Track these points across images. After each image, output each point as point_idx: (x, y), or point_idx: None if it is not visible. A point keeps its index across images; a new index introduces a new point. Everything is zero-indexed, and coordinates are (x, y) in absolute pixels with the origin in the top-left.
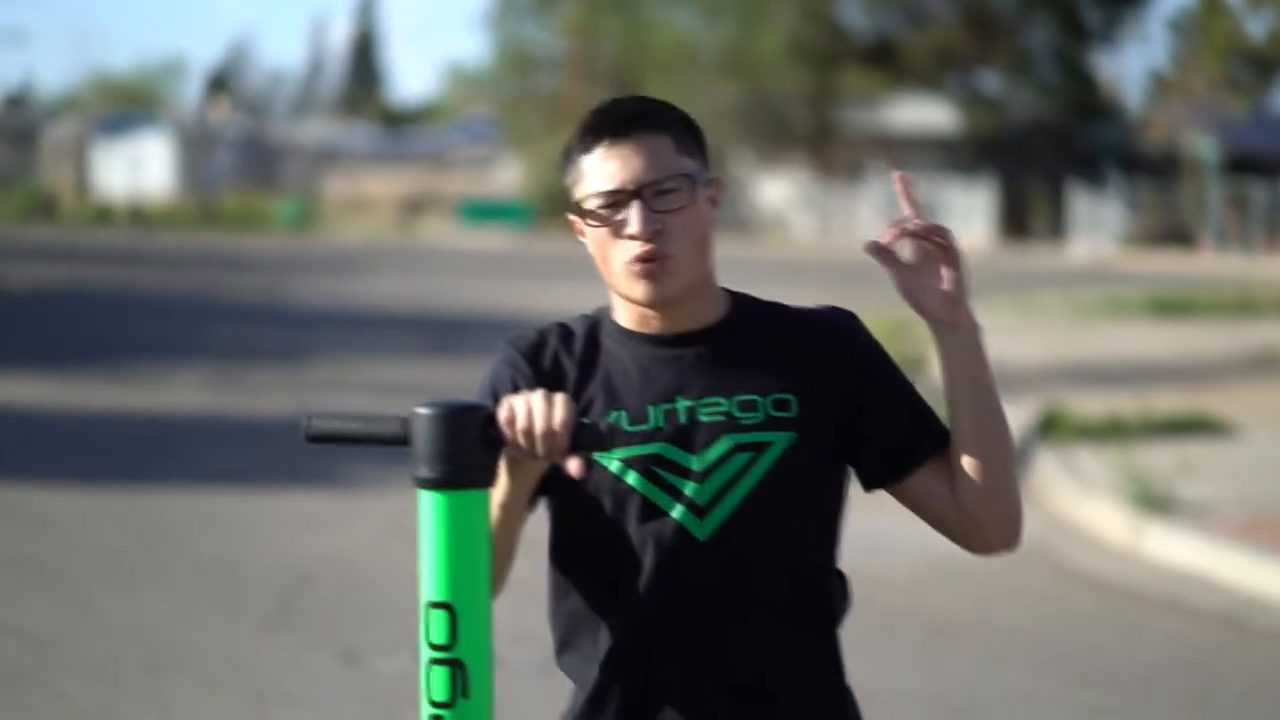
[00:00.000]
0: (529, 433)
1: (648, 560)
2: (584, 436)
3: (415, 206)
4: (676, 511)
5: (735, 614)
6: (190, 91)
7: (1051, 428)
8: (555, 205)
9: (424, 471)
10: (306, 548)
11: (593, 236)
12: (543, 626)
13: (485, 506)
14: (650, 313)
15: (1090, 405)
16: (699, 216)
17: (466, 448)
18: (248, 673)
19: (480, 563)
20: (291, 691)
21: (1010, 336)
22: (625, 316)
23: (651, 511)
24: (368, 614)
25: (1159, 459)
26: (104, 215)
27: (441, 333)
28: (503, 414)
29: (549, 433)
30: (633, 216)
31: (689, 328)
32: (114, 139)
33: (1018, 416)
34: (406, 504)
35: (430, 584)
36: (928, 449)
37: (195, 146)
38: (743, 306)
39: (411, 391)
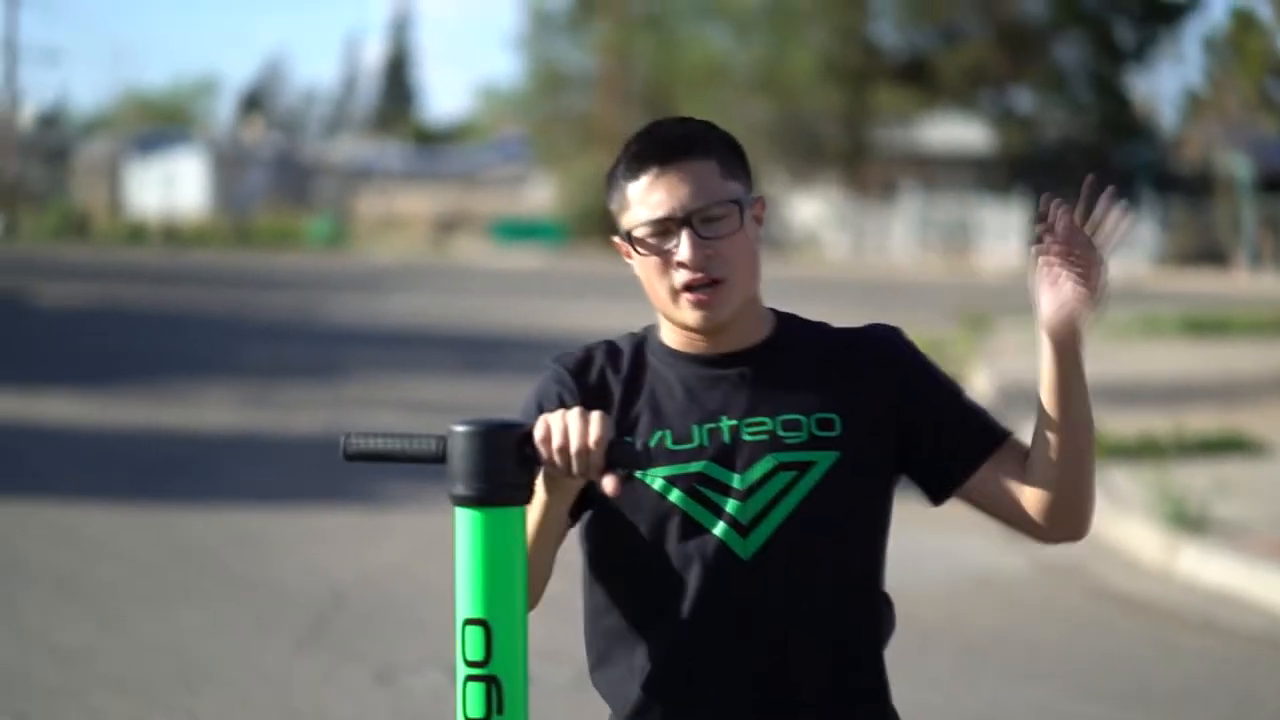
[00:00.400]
0: (564, 450)
1: (690, 578)
2: (619, 454)
3: (448, 225)
4: (719, 529)
5: (778, 633)
6: (224, 110)
7: None
8: (587, 224)
9: (460, 489)
10: (339, 565)
11: (641, 264)
12: (575, 644)
13: (521, 524)
14: (697, 335)
15: (1124, 424)
16: (747, 240)
17: (503, 465)
18: (280, 690)
19: (516, 580)
20: (324, 709)
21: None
22: (671, 337)
23: (694, 529)
24: (400, 632)
25: (1194, 478)
26: (137, 234)
27: (474, 351)
28: (539, 432)
29: (584, 450)
30: (683, 245)
31: (734, 348)
32: (148, 157)
33: None
34: (438, 521)
35: (466, 601)
36: (984, 449)
37: (229, 165)
38: (787, 326)
39: (444, 410)
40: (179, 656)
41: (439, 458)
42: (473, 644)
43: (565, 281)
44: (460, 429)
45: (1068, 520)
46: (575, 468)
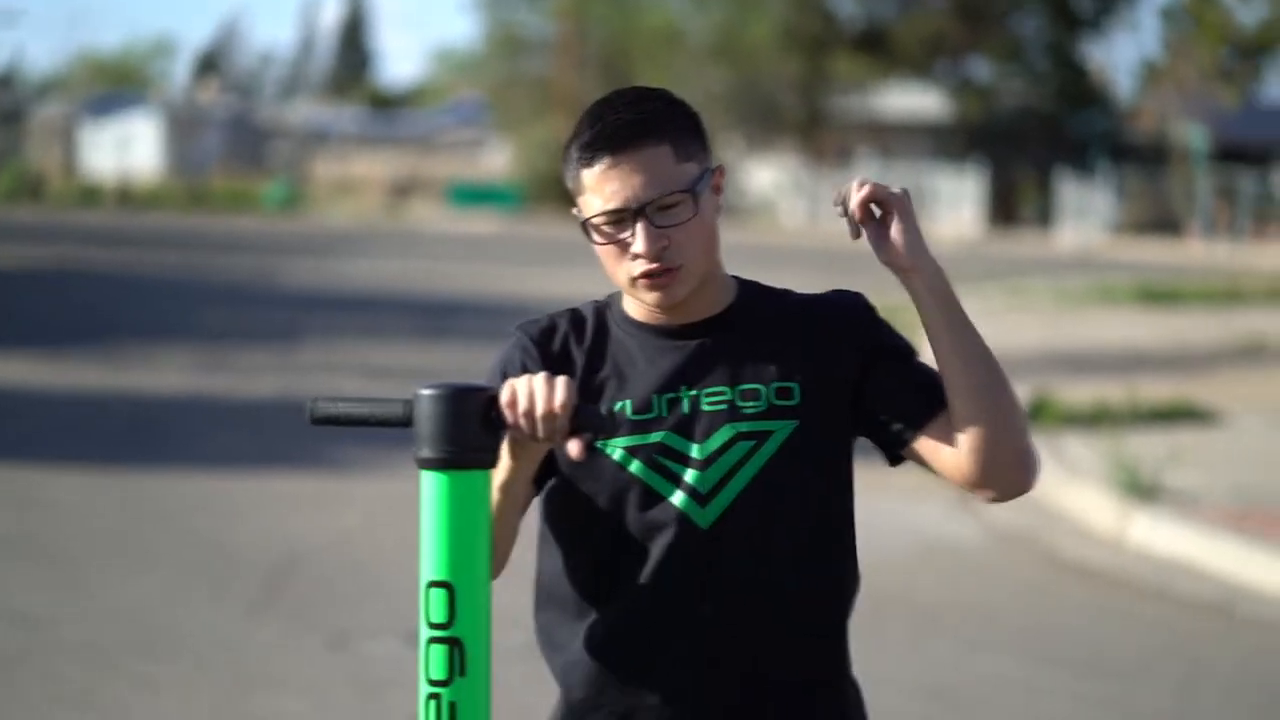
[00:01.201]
0: (530, 414)
1: (650, 548)
2: (585, 419)
3: (404, 189)
4: (678, 499)
5: (737, 602)
6: (179, 72)
7: (1039, 415)
8: (544, 189)
9: (426, 452)
10: (297, 530)
11: (599, 250)
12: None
13: (486, 487)
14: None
15: (1078, 393)
16: (703, 223)
17: (469, 429)
18: (237, 655)
19: (480, 543)
20: (280, 674)
21: (998, 323)
22: (634, 307)
23: (653, 499)
24: (357, 597)
25: (1147, 447)
26: (91, 195)
27: (431, 316)
28: (504, 395)
29: (549, 414)
30: (638, 236)
31: (696, 318)
32: (102, 119)
33: None
34: (398, 487)
35: (430, 563)
36: (930, 409)
37: (184, 127)
38: (749, 295)
39: (402, 374)
40: (137, 622)
41: (405, 421)
42: (436, 606)
43: (522, 246)
44: (426, 392)
45: (997, 469)
46: (540, 431)
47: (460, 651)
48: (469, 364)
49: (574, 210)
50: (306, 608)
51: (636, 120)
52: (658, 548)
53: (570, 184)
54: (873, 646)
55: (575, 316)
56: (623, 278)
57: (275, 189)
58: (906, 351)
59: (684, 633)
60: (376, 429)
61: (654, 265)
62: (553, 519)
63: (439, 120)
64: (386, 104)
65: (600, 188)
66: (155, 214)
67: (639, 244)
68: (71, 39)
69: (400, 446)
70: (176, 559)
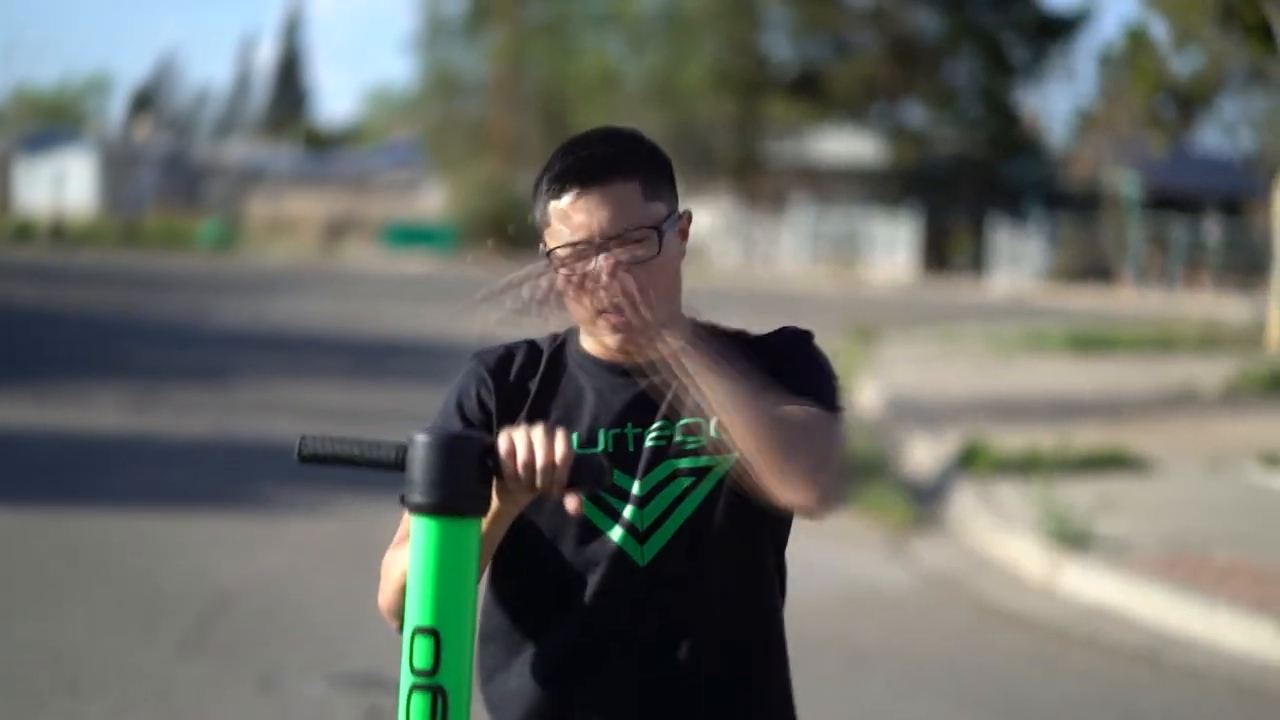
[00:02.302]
0: (530, 465)
1: (588, 583)
2: (584, 472)
3: (338, 229)
4: (617, 535)
5: (674, 638)
6: (115, 109)
7: (971, 461)
8: (479, 230)
9: (418, 497)
10: (227, 570)
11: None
12: None
13: (477, 535)
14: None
15: (1010, 439)
16: (666, 262)
17: (464, 476)
18: (163, 695)
19: (468, 590)
20: (209, 715)
21: (930, 369)
22: (589, 343)
23: (593, 535)
24: (287, 637)
25: (1078, 494)
26: (25, 232)
27: (365, 356)
28: (503, 445)
29: (549, 467)
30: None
31: (649, 356)
32: (37, 156)
33: (936, 449)
34: (328, 528)
35: (417, 609)
36: None
37: (119, 164)
38: (704, 336)
39: (337, 415)
40: (63, 659)
41: (398, 465)
42: (421, 653)
43: (456, 286)
44: (422, 438)
45: (779, 488)
46: (540, 483)
47: (444, 700)
48: (403, 404)
49: (540, 246)
50: (236, 648)
51: (608, 155)
52: (596, 584)
53: (538, 218)
54: (804, 689)
55: (532, 348)
56: (583, 313)
57: (210, 227)
58: (805, 383)
59: (621, 668)
60: (364, 470)
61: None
62: (497, 555)
63: (375, 160)
64: (322, 143)
65: (567, 219)
66: (89, 251)
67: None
68: (7, 74)
69: (331, 487)
70: (105, 598)
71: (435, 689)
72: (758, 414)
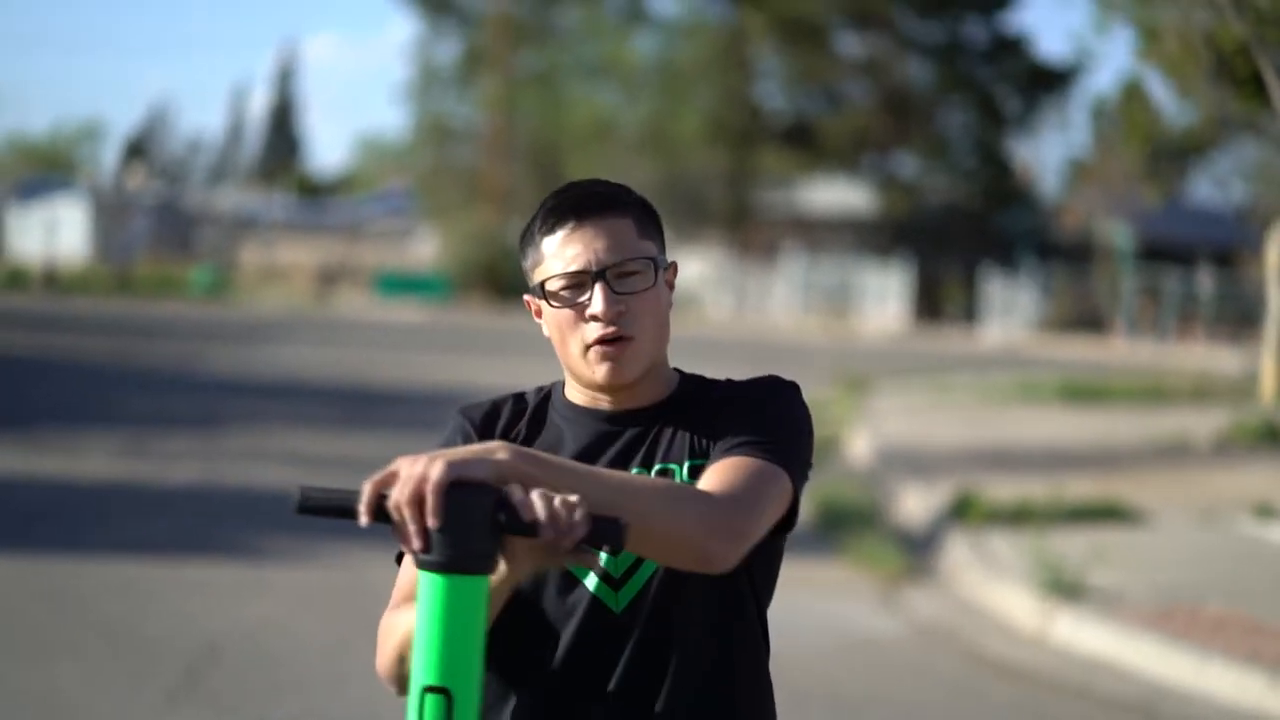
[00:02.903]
0: (553, 521)
1: (565, 633)
2: (602, 533)
3: (331, 277)
4: (592, 583)
5: (649, 686)
6: (108, 157)
7: (963, 511)
8: (471, 279)
9: (430, 555)
10: (214, 619)
11: (553, 318)
12: None
13: (486, 592)
14: (601, 394)
15: (1002, 490)
16: (659, 299)
17: (477, 533)
18: None
19: (477, 648)
20: None
21: (922, 419)
22: (575, 393)
23: (569, 583)
24: (273, 688)
25: (1070, 545)
26: (17, 279)
27: (356, 405)
28: (516, 496)
29: (570, 526)
30: (596, 298)
31: (634, 406)
32: (29, 203)
33: (928, 499)
34: (317, 577)
35: (426, 667)
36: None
37: (111, 212)
38: (688, 386)
39: (326, 463)
40: (53, 708)
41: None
42: (431, 712)
43: (449, 335)
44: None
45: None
46: (564, 542)
47: None
48: (394, 453)
49: (526, 296)
50: (225, 697)
51: (602, 192)
52: (572, 632)
53: (529, 262)
54: None
55: (517, 402)
56: (575, 348)
57: (202, 275)
58: (757, 425)
59: (599, 715)
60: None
61: (610, 329)
62: None
63: (367, 209)
64: (315, 191)
65: (561, 252)
66: (81, 298)
67: (596, 305)
68: None
69: (319, 535)
70: (94, 646)
71: None
72: (633, 502)
